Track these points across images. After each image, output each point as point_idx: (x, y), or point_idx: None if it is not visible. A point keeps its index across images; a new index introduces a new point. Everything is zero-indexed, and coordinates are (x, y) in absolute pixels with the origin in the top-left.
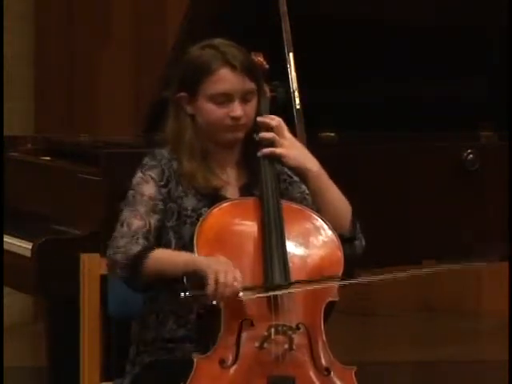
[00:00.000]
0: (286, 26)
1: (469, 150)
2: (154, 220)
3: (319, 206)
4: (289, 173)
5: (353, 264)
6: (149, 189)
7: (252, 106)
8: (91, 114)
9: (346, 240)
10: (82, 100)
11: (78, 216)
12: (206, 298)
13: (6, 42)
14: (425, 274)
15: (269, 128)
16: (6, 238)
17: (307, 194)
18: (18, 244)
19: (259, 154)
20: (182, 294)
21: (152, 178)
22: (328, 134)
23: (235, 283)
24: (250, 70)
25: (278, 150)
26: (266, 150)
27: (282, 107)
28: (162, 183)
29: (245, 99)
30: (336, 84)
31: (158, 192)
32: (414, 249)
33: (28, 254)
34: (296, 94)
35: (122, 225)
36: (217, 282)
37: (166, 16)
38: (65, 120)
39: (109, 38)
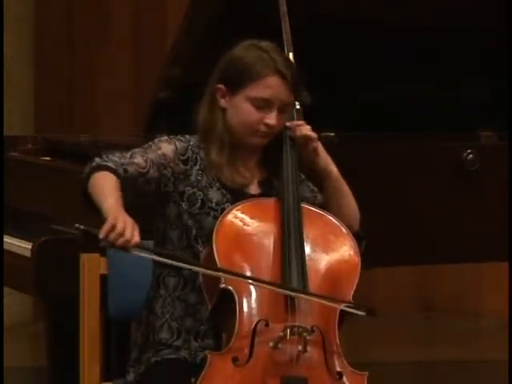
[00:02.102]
0: (285, 26)
1: (469, 150)
2: (153, 173)
3: (337, 203)
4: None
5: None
6: (167, 149)
7: (285, 117)
8: (91, 114)
9: (358, 238)
10: (81, 100)
11: (78, 216)
12: (97, 237)
13: (6, 42)
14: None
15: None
16: (6, 238)
17: (317, 193)
18: (18, 244)
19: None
20: (77, 225)
21: (175, 146)
22: (328, 133)
23: (132, 239)
24: (295, 83)
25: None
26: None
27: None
28: (183, 158)
29: (282, 110)
30: (336, 84)
31: (173, 159)
32: (413, 248)
33: (28, 254)
34: None
35: (126, 152)
36: (113, 228)
37: (166, 16)
38: (65, 120)
39: (109, 38)
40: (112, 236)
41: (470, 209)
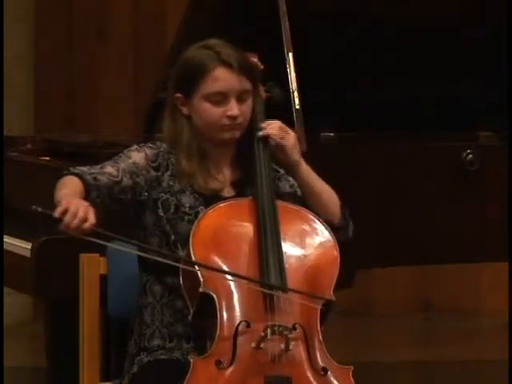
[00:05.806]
0: (285, 26)
1: (469, 150)
2: (127, 181)
3: (311, 198)
4: (274, 167)
5: (348, 248)
6: (137, 157)
7: (248, 105)
8: (91, 113)
9: (340, 227)
10: (82, 100)
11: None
12: (54, 221)
13: (6, 42)
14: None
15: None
16: (6, 238)
17: (297, 187)
18: (18, 244)
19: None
20: (34, 207)
21: (146, 154)
22: (328, 133)
23: (86, 219)
24: (245, 70)
25: (284, 142)
26: (278, 136)
27: (278, 107)
28: (154, 165)
29: (241, 98)
30: (336, 84)
31: (144, 166)
32: (413, 248)
33: (28, 254)
34: (296, 94)
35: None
36: (66, 210)
37: (166, 16)
38: (65, 120)
39: (109, 38)
40: (67, 217)
41: (469, 209)
